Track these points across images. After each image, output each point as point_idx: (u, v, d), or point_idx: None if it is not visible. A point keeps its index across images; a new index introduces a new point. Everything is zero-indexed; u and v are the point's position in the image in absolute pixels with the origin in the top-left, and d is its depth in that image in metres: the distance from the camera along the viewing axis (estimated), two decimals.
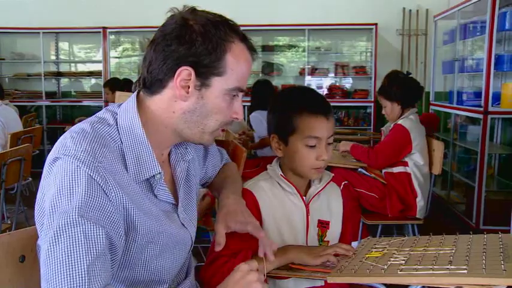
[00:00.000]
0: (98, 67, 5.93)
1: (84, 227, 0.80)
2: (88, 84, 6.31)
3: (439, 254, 1.05)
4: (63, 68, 6.27)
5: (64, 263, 0.77)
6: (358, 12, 5.51)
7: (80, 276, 0.76)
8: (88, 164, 0.84)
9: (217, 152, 1.29)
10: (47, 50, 6.04)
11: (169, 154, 1.06)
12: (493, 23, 3.54)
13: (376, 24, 5.33)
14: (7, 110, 3.74)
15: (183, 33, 0.90)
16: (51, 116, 6.13)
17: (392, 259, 1.06)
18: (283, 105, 1.30)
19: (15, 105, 4.76)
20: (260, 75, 5.65)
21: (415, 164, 2.69)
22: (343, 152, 2.96)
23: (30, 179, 3.33)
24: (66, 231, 0.79)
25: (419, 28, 5.54)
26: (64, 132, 0.96)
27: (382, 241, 1.23)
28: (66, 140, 0.88)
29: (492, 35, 3.55)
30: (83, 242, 0.79)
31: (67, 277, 0.76)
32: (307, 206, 1.29)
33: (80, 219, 0.80)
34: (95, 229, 0.80)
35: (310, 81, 5.78)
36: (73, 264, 0.77)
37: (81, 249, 0.78)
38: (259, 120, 3.50)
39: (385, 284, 1.10)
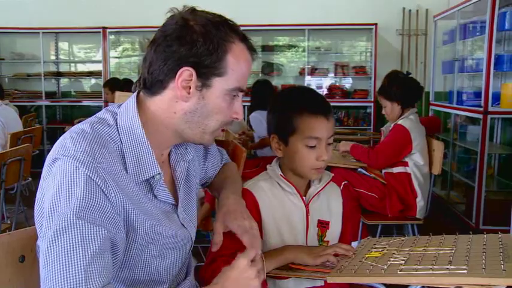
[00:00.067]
0: (98, 67, 5.93)
1: (81, 228, 0.80)
2: (88, 84, 6.30)
3: (439, 254, 1.05)
4: (63, 68, 6.27)
5: (62, 264, 0.77)
6: (358, 12, 5.51)
7: (78, 276, 0.77)
8: (87, 165, 0.84)
9: (217, 152, 1.29)
10: (46, 50, 6.04)
11: (169, 154, 1.06)
12: (493, 23, 3.54)
13: (376, 24, 5.32)
14: (7, 110, 3.74)
15: (184, 33, 0.90)
16: (51, 116, 6.12)
17: (392, 259, 1.06)
18: (283, 106, 1.30)
19: (15, 105, 4.76)
20: (260, 75, 5.64)
21: (415, 164, 2.69)
22: (343, 152, 2.96)
23: (30, 179, 3.33)
24: (64, 233, 0.79)
25: (419, 28, 5.54)
26: (64, 132, 0.96)
27: (382, 241, 1.23)
28: (65, 141, 0.88)
29: (492, 35, 3.55)
30: (80, 242, 0.79)
31: (65, 277, 0.76)
32: (307, 206, 1.29)
33: (77, 220, 0.80)
34: (92, 230, 0.81)
35: (310, 81, 5.77)
36: (71, 264, 0.77)
37: (78, 250, 0.78)
38: (259, 120, 3.50)
39: (385, 284, 1.10)
